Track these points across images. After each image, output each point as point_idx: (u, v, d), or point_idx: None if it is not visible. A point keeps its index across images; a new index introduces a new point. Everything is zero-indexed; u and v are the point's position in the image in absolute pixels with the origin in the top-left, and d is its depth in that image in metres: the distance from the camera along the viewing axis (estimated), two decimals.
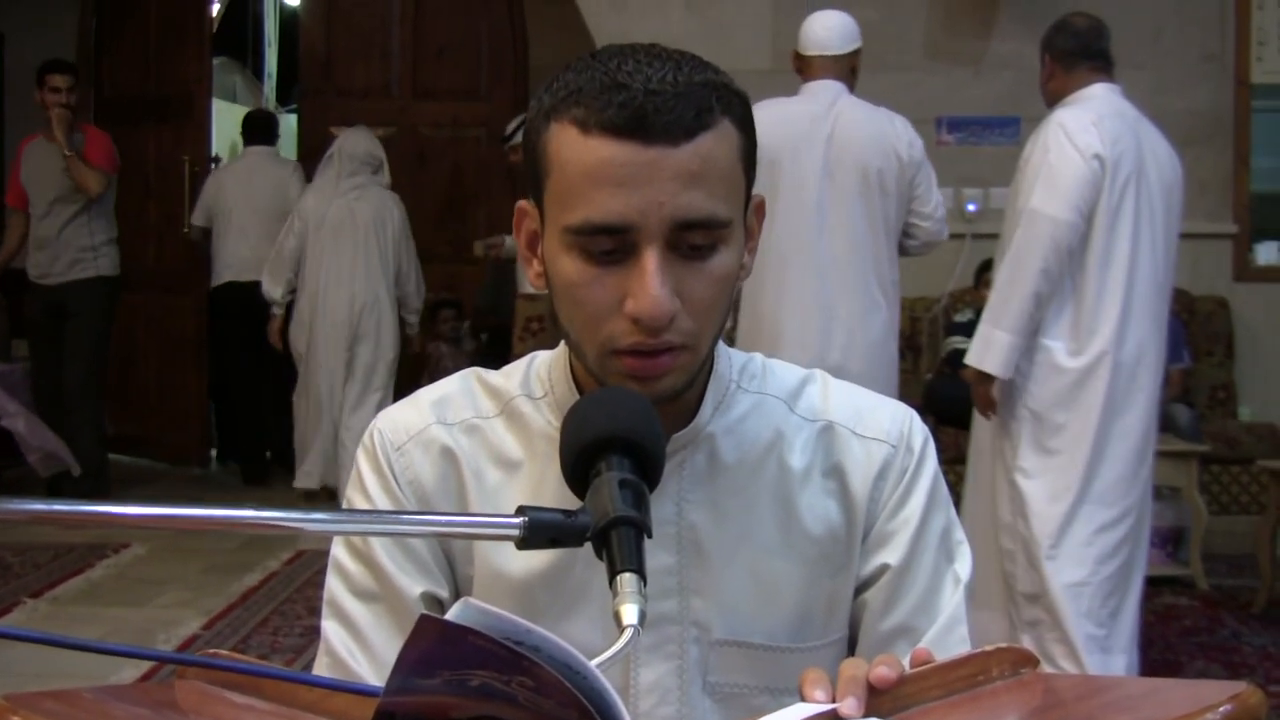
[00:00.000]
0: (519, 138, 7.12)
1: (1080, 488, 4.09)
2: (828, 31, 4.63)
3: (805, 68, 4.66)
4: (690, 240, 1.22)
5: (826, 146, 4.50)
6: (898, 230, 4.62)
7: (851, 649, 1.40)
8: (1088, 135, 4.04)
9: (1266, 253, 7.15)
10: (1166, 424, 4.88)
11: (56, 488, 7.00)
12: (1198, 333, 6.91)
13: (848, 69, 4.64)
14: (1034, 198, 4.04)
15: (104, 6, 8.70)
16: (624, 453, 1.12)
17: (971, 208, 6.98)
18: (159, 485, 7.88)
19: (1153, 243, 4.11)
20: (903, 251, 4.69)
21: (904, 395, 4.52)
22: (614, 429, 1.12)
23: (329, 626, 1.38)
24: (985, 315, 4.17)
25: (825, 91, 4.59)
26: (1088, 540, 4.09)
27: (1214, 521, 6.19)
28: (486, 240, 7.54)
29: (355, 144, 7.31)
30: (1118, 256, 4.06)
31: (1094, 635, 4.07)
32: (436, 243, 7.84)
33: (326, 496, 7.31)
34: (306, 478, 7.38)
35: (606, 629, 1.13)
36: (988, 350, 4.12)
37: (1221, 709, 0.84)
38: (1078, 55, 4.23)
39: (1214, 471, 6.51)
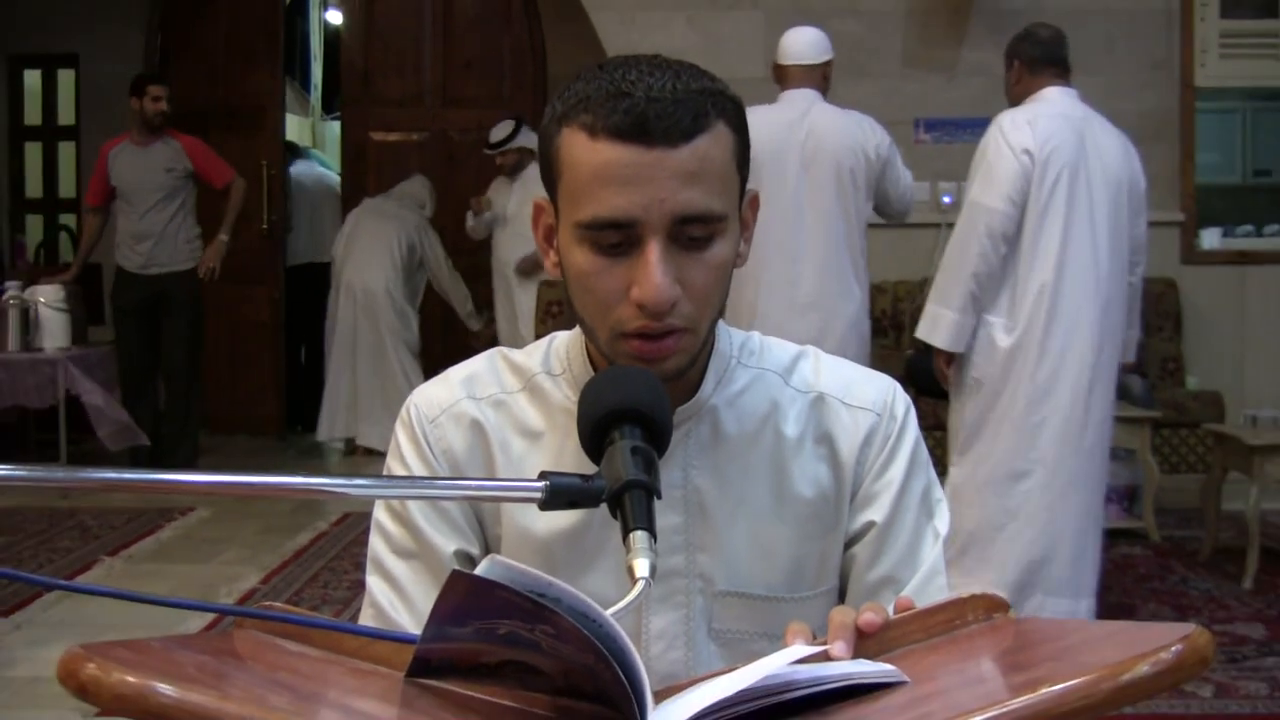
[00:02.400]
0: (516, 140, 7.27)
1: (1006, 456, 4.09)
2: (803, 44, 4.65)
3: (783, 77, 4.68)
4: (689, 233, 1.22)
5: (802, 148, 4.50)
6: (865, 221, 4.64)
7: (841, 598, 1.40)
8: (1019, 133, 4.06)
9: (1210, 238, 7.12)
10: (1122, 392, 4.87)
11: (137, 459, 6.99)
12: (1149, 310, 6.85)
13: (820, 77, 4.65)
14: (972, 189, 4.11)
15: (169, 24, 8.68)
16: (635, 423, 1.11)
17: (947, 200, 6.95)
18: (236, 456, 7.94)
19: (1093, 233, 4.08)
20: (884, 216, 4.74)
21: (887, 368, 4.50)
22: (626, 402, 1.11)
23: (372, 581, 1.38)
24: (931, 295, 4.19)
25: (801, 99, 4.59)
26: (1017, 507, 4.08)
27: (1165, 479, 6.20)
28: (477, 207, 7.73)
29: (411, 184, 8.14)
30: (1045, 244, 4.06)
31: (1060, 579, 4.07)
32: (465, 236, 7.89)
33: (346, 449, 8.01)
34: (322, 430, 8.00)
35: (620, 582, 1.13)
36: (935, 327, 4.14)
37: (1174, 649, 0.84)
38: (1042, 61, 4.22)
39: (1165, 435, 6.49)
